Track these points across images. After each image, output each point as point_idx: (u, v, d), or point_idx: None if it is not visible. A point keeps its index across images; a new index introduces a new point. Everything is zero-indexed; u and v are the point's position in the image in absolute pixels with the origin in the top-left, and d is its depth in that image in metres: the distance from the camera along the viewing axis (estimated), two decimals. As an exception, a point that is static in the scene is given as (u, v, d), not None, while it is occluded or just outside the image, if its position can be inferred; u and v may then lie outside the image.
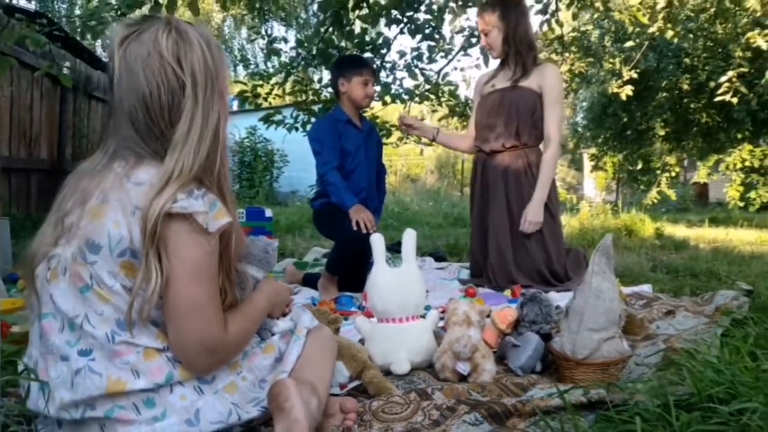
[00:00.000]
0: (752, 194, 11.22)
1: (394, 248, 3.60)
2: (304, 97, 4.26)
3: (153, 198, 0.98)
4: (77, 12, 16.54)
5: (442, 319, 1.75)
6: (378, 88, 4.25)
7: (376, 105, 4.58)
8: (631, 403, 1.18)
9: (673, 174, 11.44)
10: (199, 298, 1.01)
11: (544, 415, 1.20)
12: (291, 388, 1.04)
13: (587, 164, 18.74)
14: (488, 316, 1.74)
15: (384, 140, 4.17)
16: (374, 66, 4.28)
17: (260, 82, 4.05)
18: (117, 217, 1.01)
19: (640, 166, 12.80)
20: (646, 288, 2.71)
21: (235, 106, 16.19)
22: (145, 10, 2.59)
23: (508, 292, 2.62)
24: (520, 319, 1.74)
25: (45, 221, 1.10)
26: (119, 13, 2.46)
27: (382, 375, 1.51)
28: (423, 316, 1.74)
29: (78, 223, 1.04)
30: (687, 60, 8.73)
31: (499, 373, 1.58)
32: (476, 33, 4.44)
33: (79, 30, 2.44)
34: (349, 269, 2.79)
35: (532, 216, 2.81)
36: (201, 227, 1.00)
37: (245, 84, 4.19)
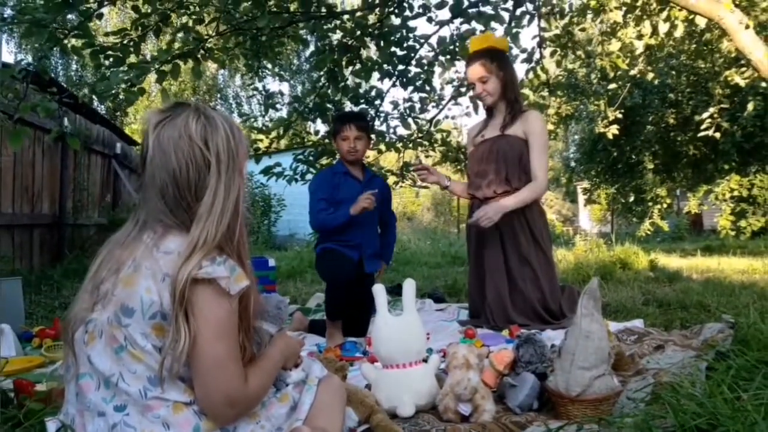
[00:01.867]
0: (743, 223, 11.41)
1: (394, 291, 3.70)
2: (302, 150, 4.44)
3: (181, 265, 1.09)
4: (74, 67, 16.94)
5: (443, 362, 1.84)
6: (373, 137, 4.42)
7: (371, 153, 4.76)
8: (620, 437, 1.28)
9: (665, 205, 11.62)
10: (222, 354, 1.11)
11: (541, 451, 1.30)
12: None
13: (581, 196, 18.95)
14: (486, 357, 1.84)
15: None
16: (368, 117, 4.47)
17: (260, 137, 4.22)
18: (148, 284, 1.12)
19: (632, 198, 13.00)
20: (637, 323, 2.81)
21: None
22: (151, 77, 2.76)
23: (505, 332, 2.71)
24: (517, 360, 1.83)
25: (81, 288, 1.22)
26: (130, 84, 2.63)
27: (389, 418, 1.61)
28: (425, 360, 1.83)
29: (113, 290, 1.16)
30: (671, 95, 9.02)
31: (499, 412, 1.67)
32: (465, 83, 4.66)
33: (91, 97, 2.60)
34: (350, 314, 2.90)
35: (492, 213, 2.87)
36: (224, 290, 1.11)
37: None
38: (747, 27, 2.47)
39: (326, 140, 4.52)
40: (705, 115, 5.35)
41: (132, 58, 2.88)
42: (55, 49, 2.65)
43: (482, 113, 3.33)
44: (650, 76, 4.95)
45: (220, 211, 1.16)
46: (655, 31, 4.07)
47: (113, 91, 2.57)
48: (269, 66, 4.63)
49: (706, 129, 5.23)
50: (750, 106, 5.57)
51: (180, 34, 3.29)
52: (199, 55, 3.11)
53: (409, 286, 1.85)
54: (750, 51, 2.47)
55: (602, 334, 1.66)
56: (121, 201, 9.18)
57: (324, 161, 4.53)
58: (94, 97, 2.60)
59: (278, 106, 4.67)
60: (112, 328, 1.13)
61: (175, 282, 1.08)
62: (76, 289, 4.63)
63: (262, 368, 1.24)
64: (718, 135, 5.33)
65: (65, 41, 2.58)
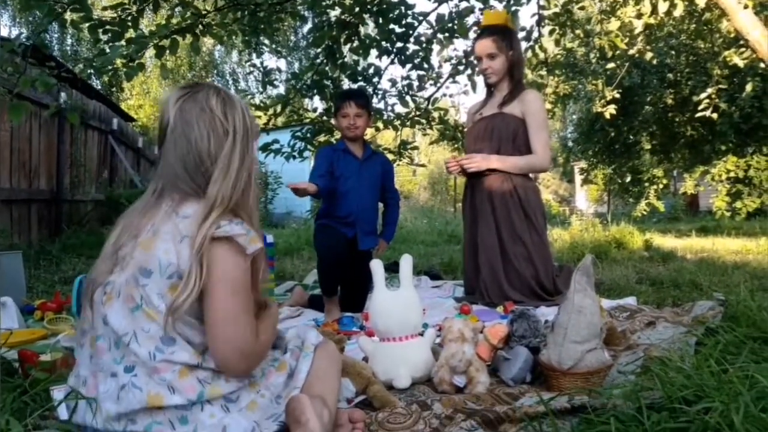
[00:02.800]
0: (738, 204, 11.47)
1: (391, 268, 3.74)
2: (300, 128, 4.44)
3: (199, 224, 1.16)
4: (69, 41, 16.76)
5: (438, 336, 1.89)
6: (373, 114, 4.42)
7: (369, 131, 4.75)
8: (609, 407, 1.32)
9: (661, 186, 11.66)
10: (235, 309, 1.17)
11: (532, 420, 1.34)
12: (306, 404, 1.18)
13: (578, 176, 18.98)
14: (481, 332, 1.88)
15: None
16: (366, 95, 4.47)
17: (259, 113, 4.22)
18: (167, 246, 1.18)
19: (629, 179, 13.04)
20: (630, 300, 2.85)
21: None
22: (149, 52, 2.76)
23: (500, 309, 2.76)
24: (511, 335, 1.87)
25: (101, 254, 1.28)
26: (129, 59, 2.62)
27: (386, 389, 1.65)
28: (421, 334, 1.87)
29: (132, 254, 1.21)
30: (670, 75, 8.99)
31: (493, 384, 1.71)
32: (463, 61, 4.64)
33: (90, 73, 2.61)
34: (348, 289, 2.95)
35: (479, 159, 2.95)
36: (241, 248, 1.17)
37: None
38: (745, 7, 2.47)
39: (324, 117, 4.52)
40: (703, 95, 5.35)
41: (130, 33, 2.87)
42: (51, 23, 2.63)
43: (480, 92, 3.34)
44: (649, 55, 4.94)
45: (235, 174, 1.23)
46: (654, 10, 4.06)
47: (112, 67, 2.57)
48: (267, 42, 4.61)
49: (704, 110, 5.24)
50: (748, 87, 5.56)
51: (178, 9, 3.27)
52: (197, 31, 3.10)
53: (406, 262, 1.88)
54: (748, 31, 2.48)
55: (594, 310, 1.70)
56: (117, 177, 9.17)
57: (321, 138, 4.54)
58: (91, 72, 2.59)
59: (276, 82, 4.65)
60: (130, 288, 1.18)
61: (194, 240, 1.15)
62: (74, 264, 4.70)
63: (269, 324, 1.31)
64: (715, 116, 5.34)
65: (64, 15, 2.58)
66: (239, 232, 1.17)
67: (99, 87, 9.15)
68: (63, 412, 1.52)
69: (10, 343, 2.15)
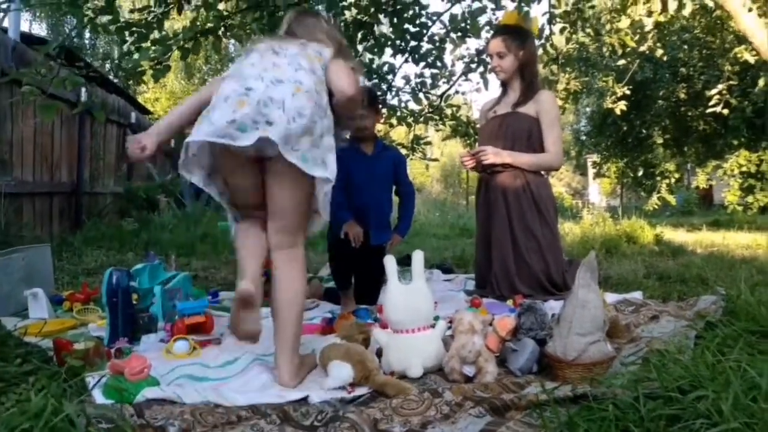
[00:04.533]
0: (750, 198, 11.41)
1: (404, 262, 3.83)
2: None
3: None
4: (87, 35, 16.93)
5: (449, 328, 1.99)
6: (384, 111, 4.51)
7: (382, 126, 4.84)
8: (608, 396, 1.42)
9: (673, 180, 11.64)
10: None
11: (536, 407, 1.44)
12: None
13: (591, 170, 18.91)
14: (490, 324, 1.98)
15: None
16: (380, 91, 4.55)
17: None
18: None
19: (641, 172, 13.00)
20: (636, 295, 2.93)
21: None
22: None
23: (510, 302, 2.84)
24: (519, 327, 1.96)
25: None
26: (157, 62, 2.74)
27: (398, 379, 1.76)
28: (433, 326, 1.97)
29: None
30: (683, 70, 8.98)
31: (501, 374, 1.80)
32: (476, 60, 4.71)
33: (121, 75, 2.73)
34: (362, 283, 3.05)
35: (492, 152, 3.03)
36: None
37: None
38: (750, 10, 2.53)
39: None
40: (714, 91, 5.37)
41: (155, 34, 2.98)
42: (85, 28, 2.74)
43: (492, 89, 3.42)
44: (659, 52, 4.97)
45: None
46: (665, 7, 4.10)
47: (141, 69, 2.68)
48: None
49: (715, 105, 5.26)
50: (761, 82, 5.55)
51: (202, 11, 3.36)
52: (220, 33, 3.21)
53: (417, 257, 1.98)
54: (752, 33, 2.53)
55: (598, 303, 1.79)
56: (135, 169, 9.33)
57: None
58: (123, 74, 2.70)
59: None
60: None
61: None
62: (96, 256, 4.84)
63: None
64: (726, 111, 5.36)
65: (95, 20, 2.69)
66: None
67: (117, 81, 9.29)
68: (99, 397, 1.65)
69: (44, 333, 2.28)
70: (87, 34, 15.29)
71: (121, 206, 8.04)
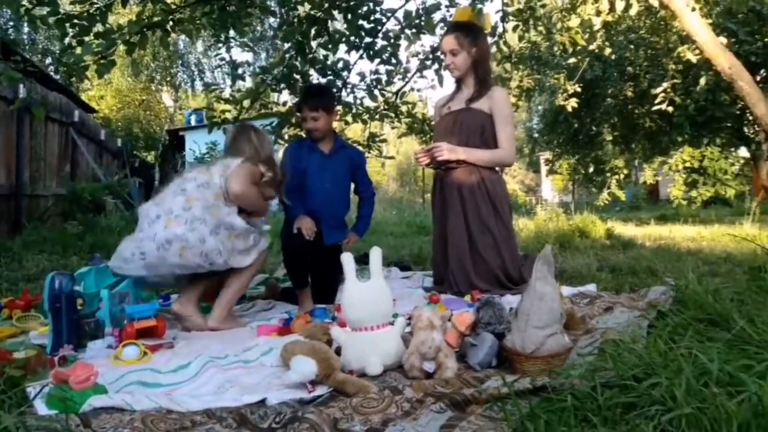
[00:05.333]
0: (694, 193, 11.90)
1: (361, 260, 3.81)
2: (270, 121, 4.47)
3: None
4: (25, 29, 16.23)
5: (408, 325, 1.97)
6: (339, 109, 4.48)
7: (337, 124, 4.81)
8: (567, 387, 1.43)
9: (622, 175, 12.03)
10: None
11: (497, 401, 1.44)
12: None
13: (544, 167, 19.32)
14: (449, 320, 1.97)
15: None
16: (334, 88, 4.52)
17: (228, 107, 4.24)
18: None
19: (592, 169, 13.36)
20: (591, 287, 2.99)
21: (193, 121, 16.11)
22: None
23: (468, 297, 2.86)
24: (477, 322, 1.96)
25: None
26: (100, 56, 2.62)
27: (357, 377, 1.73)
28: (392, 323, 1.96)
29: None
30: (630, 69, 9.25)
31: (461, 369, 1.80)
32: (430, 57, 4.73)
33: (62, 70, 2.60)
34: (319, 282, 3.01)
35: (446, 148, 3.04)
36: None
37: (214, 110, 4.38)
38: (693, 10, 2.61)
39: (291, 110, 4.56)
40: (659, 90, 5.56)
41: (98, 27, 2.85)
42: (21, 19, 2.60)
43: (447, 86, 3.43)
44: (608, 51, 5.11)
45: None
46: (612, 7, 4.21)
47: (84, 63, 2.56)
48: (236, 37, 4.62)
49: (660, 103, 5.44)
50: (702, 81, 5.79)
51: (148, 5, 3.25)
52: (168, 27, 3.10)
53: (375, 254, 1.96)
54: (696, 32, 2.62)
55: (555, 296, 1.81)
56: (79, 171, 8.99)
57: (290, 132, 4.58)
58: (63, 69, 2.58)
59: (245, 76, 4.67)
60: None
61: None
62: (37, 261, 4.62)
63: None
64: (671, 109, 5.56)
65: (33, 11, 2.55)
66: None
67: (59, 78, 8.95)
68: (41, 408, 1.56)
69: (-20, 342, 2.16)
70: (26, 28, 14.69)
71: (65, 209, 7.72)
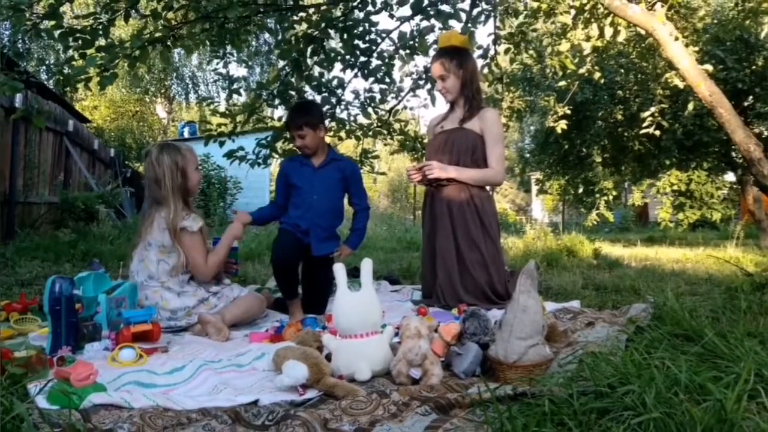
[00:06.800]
0: (681, 215, 12.07)
1: (352, 273, 3.88)
2: (265, 135, 4.56)
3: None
4: (23, 40, 16.29)
5: (397, 335, 2.05)
6: (328, 124, 4.58)
7: (331, 140, 4.91)
8: (545, 393, 1.51)
9: (611, 197, 12.19)
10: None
11: (479, 405, 1.51)
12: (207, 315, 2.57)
13: (534, 187, 19.48)
14: (436, 330, 2.05)
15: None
16: (330, 105, 4.63)
17: (224, 121, 4.32)
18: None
19: (582, 190, 13.49)
20: (575, 303, 3.07)
21: (186, 133, 16.15)
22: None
23: (455, 311, 2.93)
24: (463, 332, 2.05)
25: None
26: (103, 69, 2.70)
27: (347, 381, 1.80)
28: (381, 332, 2.03)
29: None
30: (620, 92, 9.42)
31: (446, 377, 1.87)
32: (423, 77, 4.86)
33: (61, 80, 2.68)
34: (310, 293, 3.08)
35: (437, 167, 3.13)
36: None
37: (210, 122, 4.47)
38: (676, 39, 2.74)
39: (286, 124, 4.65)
40: (646, 114, 5.70)
41: (101, 41, 2.94)
42: (28, 33, 2.68)
43: (440, 105, 3.56)
44: (597, 75, 5.25)
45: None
46: (602, 33, 4.35)
47: (87, 75, 2.64)
48: (234, 53, 4.72)
49: (648, 126, 5.58)
50: (690, 106, 5.94)
51: (150, 20, 3.35)
52: (169, 42, 3.19)
53: (367, 265, 2.04)
54: (678, 60, 2.75)
55: (537, 309, 1.89)
56: (72, 179, 9.03)
57: (285, 146, 4.66)
58: (63, 80, 2.65)
59: (240, 90, 4.76)
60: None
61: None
62: (31, 267, 4.68)
63: (216, 253, 2.85)
64: (658, 133, 5.69)
65: (39, 25, 2.63)
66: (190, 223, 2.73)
67: (53, 88, 9.00)
68: (43, 403, 1.62)
69: (-21, 343, 2.20)
70: (6, 32, 14.76)
71: (57, 216, 7.75)
